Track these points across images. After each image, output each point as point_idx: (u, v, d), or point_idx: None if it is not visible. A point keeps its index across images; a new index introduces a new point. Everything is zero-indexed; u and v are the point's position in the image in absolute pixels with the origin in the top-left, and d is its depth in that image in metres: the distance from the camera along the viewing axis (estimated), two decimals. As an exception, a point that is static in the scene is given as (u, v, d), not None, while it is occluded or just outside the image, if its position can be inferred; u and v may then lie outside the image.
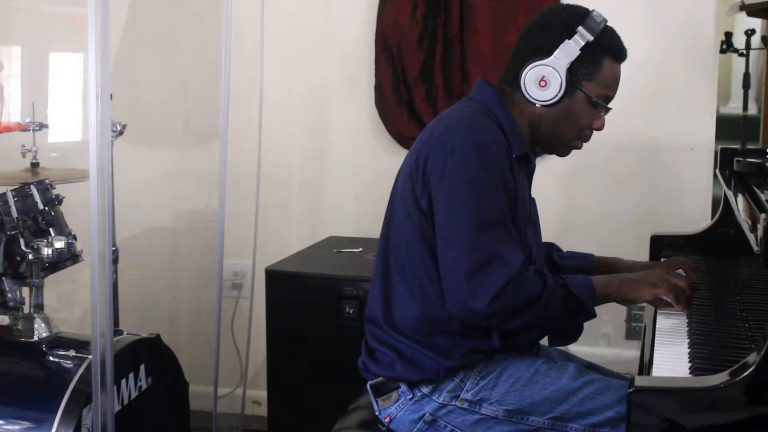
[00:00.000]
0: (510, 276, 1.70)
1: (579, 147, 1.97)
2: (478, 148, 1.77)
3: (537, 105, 1.88)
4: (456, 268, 1.73)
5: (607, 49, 1.87)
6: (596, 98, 1.87)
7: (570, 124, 1.90)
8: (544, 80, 1.85)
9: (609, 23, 1.90)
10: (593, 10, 1.87)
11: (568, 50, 1.84)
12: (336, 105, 3.30)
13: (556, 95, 1.85)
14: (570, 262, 2.15)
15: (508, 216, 1.78)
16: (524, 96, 1.88)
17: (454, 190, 1.76)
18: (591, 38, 1.83)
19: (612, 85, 1.91)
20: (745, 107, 4.55)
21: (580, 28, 1.83)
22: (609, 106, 1.91)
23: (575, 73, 1.86)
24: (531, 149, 1.94)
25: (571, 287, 1.77)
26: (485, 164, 1.76)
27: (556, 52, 1.84)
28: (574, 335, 1.96)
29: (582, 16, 1.85)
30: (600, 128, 1.93)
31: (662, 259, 2.40)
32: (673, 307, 1.86)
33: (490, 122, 1.85)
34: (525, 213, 1.90)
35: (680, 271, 2.08)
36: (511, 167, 1.82)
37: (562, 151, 1.98)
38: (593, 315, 1.82)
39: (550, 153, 2.04)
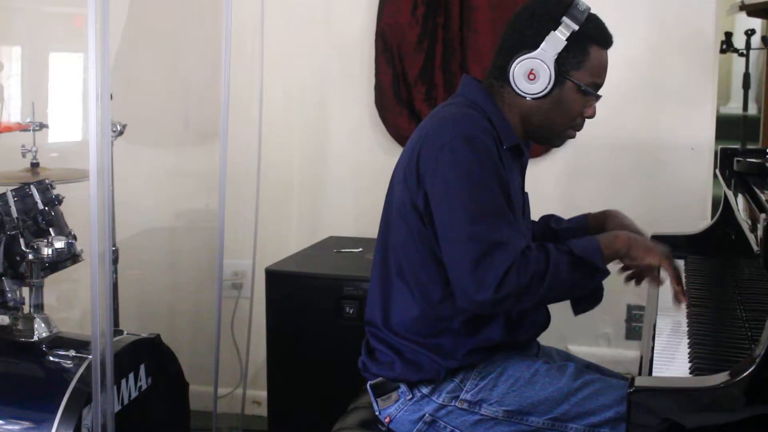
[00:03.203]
0: (512, 260, 1.69)
1: (572, 136, 1.96)
2: (468, 139, 1.77)
3: (527, 98, 1.87)
4: (460, 263, 1.72)
5: (592, 36, 1.86)
6: (586, 86, 1.86)
7: (561, 115, 1.89)
8: (532, 73, 1.84)
9: (602, 19, 1.89)
10: None
11: (555, 41, 1.83)
12: (336, 105, 3.30)
13: (546, 87, 1.84)
14: (567, 225, 2.14)
15: (504, 203, 1.77)
16: (513, 90, 1.87)
17: (448, 185, 1.76)
18: (576, 27, 1.82)
19: (600, 72, 1.90)
20: (745, 107, 4.55)
21: (565, 18, 1.82)
22: (599, 93, 1.90)
23: (563, 63, 1.85)
24: (521, 140, 1.93)
25: (576, 252, 1.75)
26: (476, 154, 1.76)
27: (543, 44, 1.83)
28: (596, 298, 1.92)
29: (565, 5, 1.84)
30: (591, 116, 1.92)
31: None
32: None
33: (478, 114, 1.85)
34: (518, 204, 1.91)
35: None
36: (500, 158, 1.81)
37: (556, 141, 1.98)
38: (606, 272, 1.79)
39: (543, 144, 2.03)
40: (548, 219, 2.18)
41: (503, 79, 1.88)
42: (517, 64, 1.85)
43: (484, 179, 1.75)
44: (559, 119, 1.90)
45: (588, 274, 1.78)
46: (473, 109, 1.86)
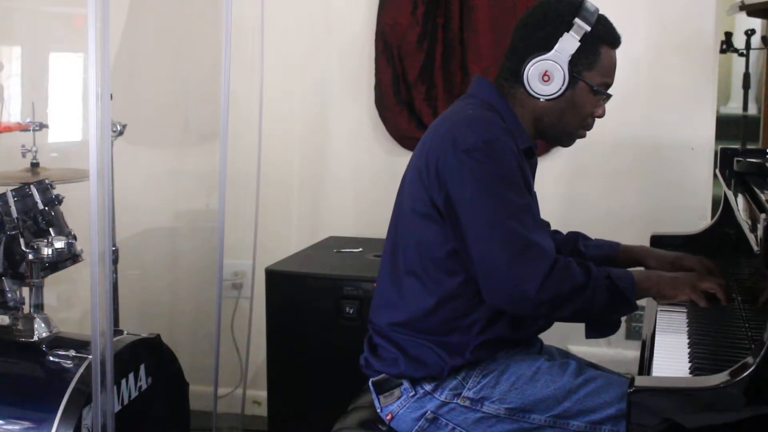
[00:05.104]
0: (551, 261, 1.71)
1: (583, 136, 1.98)
2: (492, 141, 1.78)
3: (540, 99, 1.88)
4: (495, 260, 1.73)
5: (603, 37, 1.89)
6: (597, 87, 1.89)
7: (574, 115, 1.92)
8: (547, 75, 1.86)
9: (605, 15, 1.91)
10: (585, 0, 1.87)
11: (568, 43, 1.85)
12: (336, 105, 3.30)
13: (560, 88, 1.86)
14: (596, 252, 2.14)
15: (530, 203, 1.80)
16: (527, 91, 1.88)
17: (477, 187, 1.76)
18: (588, 28, 1.85)
19: (611, 72, 1.92)
20: (745, 107, 4.54)
21: (577, 20, 1.85)
22: (609, 92, 1.92)
23: (576, 64, 1.87)
24: (533, 142, 1.95)
25: (615, 279, 1.77)
26: (501, 156, 1.78)
27: (557, 46, 1.85)
28: (612, 328, 1.94)
29: (576, 7, 1.86)
30: (601, 116, 1.94)
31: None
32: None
33: (496, 117, 1.86)
34: (536, 204, 1.93)
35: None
36: (520, 160, 1.84)
37: (566, 141, 1.99)
38: (636, 308, 1.82)
39: (555, 144, 2.06)
40: (576, 238, 2.18)
41: (515, 80, 1.90)
42: (532, 65, 1.86)
43: (511, 179, 1.77)
44: (570, 119, 1.92)
45: (619, 304, 1.80)
46: (490, 111, 1.87)
